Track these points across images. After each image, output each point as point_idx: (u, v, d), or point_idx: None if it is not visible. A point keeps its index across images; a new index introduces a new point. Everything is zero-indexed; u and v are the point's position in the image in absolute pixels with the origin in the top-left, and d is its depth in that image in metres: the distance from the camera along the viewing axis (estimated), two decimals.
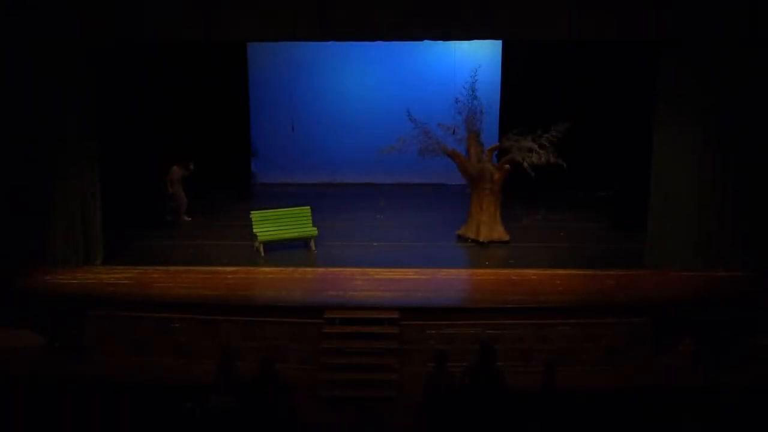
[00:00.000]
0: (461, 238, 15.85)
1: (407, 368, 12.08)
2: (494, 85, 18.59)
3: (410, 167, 18.29)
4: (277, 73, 19.85)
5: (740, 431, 9.21)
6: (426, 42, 14.16)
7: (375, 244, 15.78)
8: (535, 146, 14.59)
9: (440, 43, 15.08)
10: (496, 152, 16.01)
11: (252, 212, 15.44)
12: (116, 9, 13.30)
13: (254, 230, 15.15)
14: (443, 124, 15.83)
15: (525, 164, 14.59)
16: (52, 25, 13.41)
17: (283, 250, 15.33)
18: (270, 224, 15.29)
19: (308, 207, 15.71)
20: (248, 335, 12.57)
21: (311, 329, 12.48)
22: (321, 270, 14.37)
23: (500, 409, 9.63)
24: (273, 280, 13.88)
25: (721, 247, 13.95)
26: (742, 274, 13.72)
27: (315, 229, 15.48)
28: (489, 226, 15.45)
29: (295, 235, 15.39)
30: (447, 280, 13.93)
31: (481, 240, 15.44)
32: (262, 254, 15.05)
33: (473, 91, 15.32)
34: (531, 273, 13.98)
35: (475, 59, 16.80)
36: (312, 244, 15.39)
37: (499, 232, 15.57)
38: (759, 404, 9.64)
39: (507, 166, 15.19)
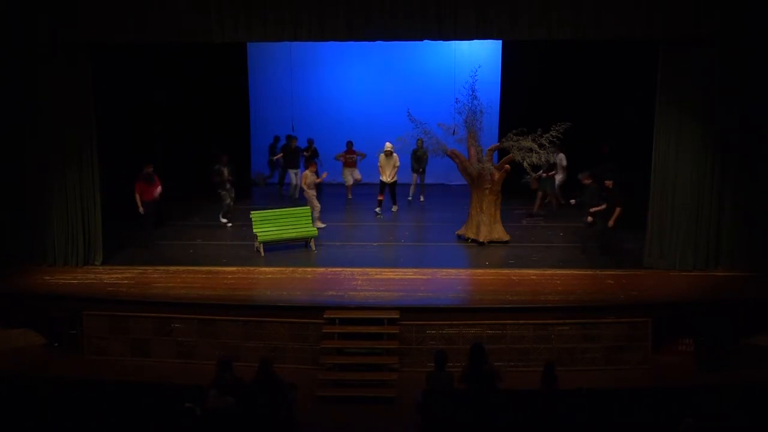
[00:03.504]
0: (461, 238, 15.84)
1: (407, 368, 12.12)
2: (494, 85, 18.56)
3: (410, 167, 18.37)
4: (277, 73, 19.84)
5: (740, 431, 9.20)
6: (426, 42, 14.15)
7: (375, 244, 15.77)
8: (535, 146, 14.58)
9: (440, 43, 15.06)
10: (496, 152, 16.01)
11: (252, 212, 15.45)
12: (116, 9, 13.31)
13: (254, 230, 15.15)
14: (443, 124, 15.83)
15: (525, 164, 14.58)
16: (53, 25, 13.41)
17: (283, 250, 15.33)
18: (270, 224, 15.28)
19: (308, 207, 15.70)
20: (248, 335, 12.60)
21: (311, 329, 12.50)
22: (321, 270, 14.37)
23: (496, 409, 9.63)
24: (273, 280, 13.87)
25: (720, 247, 13.96)
26: (742, 274, 13.73)
27: (315, 229, 15.47)
28: (489, 226, 15.42)
29: (295, 235, 15.38)
30: (447, 280, 13.92)
31: (481, 240, 15.42)
32: (262, 254, 15.04)
33: (473, 91, 15.30)
34: (531, 273, 13.98)
35: (475, 59, 16.81)
36: (312, 244, 15.39)
37: (499, 232, 15.55)
38: (759, 404, 9.63)
39: (507, 166, 15.18)
